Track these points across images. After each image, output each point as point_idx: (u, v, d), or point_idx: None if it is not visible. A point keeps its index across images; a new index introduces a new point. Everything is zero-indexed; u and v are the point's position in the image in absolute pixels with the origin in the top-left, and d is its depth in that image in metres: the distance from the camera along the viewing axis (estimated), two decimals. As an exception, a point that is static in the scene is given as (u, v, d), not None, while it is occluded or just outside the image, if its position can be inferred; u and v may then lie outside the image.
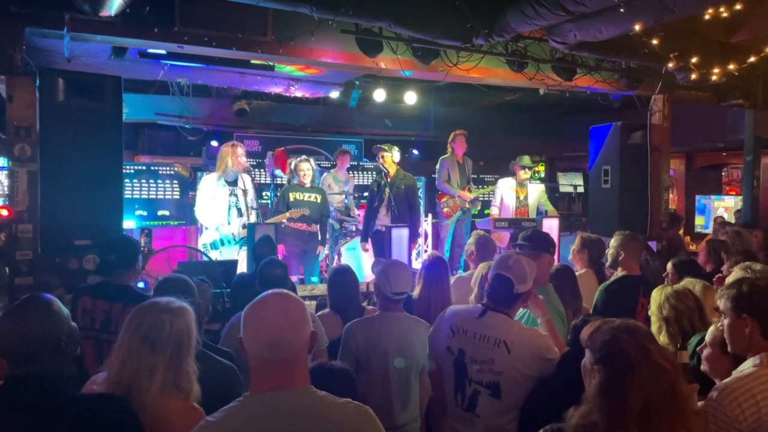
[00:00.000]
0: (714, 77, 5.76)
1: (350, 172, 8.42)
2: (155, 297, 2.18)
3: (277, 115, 9.20)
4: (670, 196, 7.80)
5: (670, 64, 5.59)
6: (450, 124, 8.39)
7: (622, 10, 4.29)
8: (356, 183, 8.81)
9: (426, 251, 7.41)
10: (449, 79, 5.82)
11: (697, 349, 2.43)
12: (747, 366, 2.02)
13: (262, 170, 8.70)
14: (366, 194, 7.28)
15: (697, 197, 11.07)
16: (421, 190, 8.46)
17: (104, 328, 2.91)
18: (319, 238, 6.27)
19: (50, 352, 1.78)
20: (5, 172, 6.34)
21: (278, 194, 6.41)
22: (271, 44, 4.77)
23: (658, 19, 4.41)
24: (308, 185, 6.25)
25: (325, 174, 7.64)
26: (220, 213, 5.53)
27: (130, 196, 6.78)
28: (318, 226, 6.21)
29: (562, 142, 11.19)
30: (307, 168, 6.24)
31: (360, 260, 6.91)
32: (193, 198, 6.49)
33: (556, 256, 4.28)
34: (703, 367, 2.31)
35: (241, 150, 5.62)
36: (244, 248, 5.44)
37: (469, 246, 4.42)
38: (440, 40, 5.01)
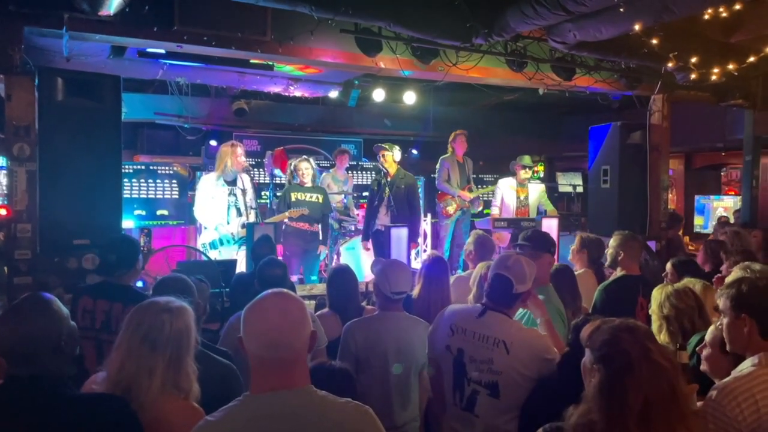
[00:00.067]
0: (713, 77, 5.76)
1: (349, 172, 8.43)
2: (154, 296, 2.18)
3: (276, 114, 9.20)
4: (669, 196, 7.79)
5: (670, 64, 5.59)
6: (449, 123, 8.39)
7: (621, 9, 4.29)
8: (355, 183, 8.82)
9: (425, 251, 7.41)
10: (448, 78, 5.82)
11: (697, 349, 2.43)
12: (746, 366, 2.02)
13: (261, 170, 8.70)
14: (365, 194, 7.28)
15: (696, 197, 11.07)
16: (420, 189, 8.46)
17: (105, 328, 2.90)
18: (321, 238, 6.27)
19: (50, 352, 1.78)
20: (4, 171, 6.33)
21: (279, 194, 6.41)
22: (270, 44, 4.76)
23: (657, 19, 4.41)
24: (309, 185, 6.26)
25: (324, 174, 7.64)
26: (219, 213, 5.53)
27: (129, 196, 6.79)
28: (319, 226, 6.21)
29: (561, 141, 11.19)
30: (305, 167, 6.25)
31: (359, 260, 6.92)
32: (192, 198, 6.49)
33: (555, 256, 4.28)
34: (703, 366, 2.31)
35: (240, 150, 5.62)
36: (243, 248, 5.43)
37: (467, 246, 4.42)
38: (440, 40, 5.01)
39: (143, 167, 7.27)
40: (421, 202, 8.08)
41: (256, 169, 8.53)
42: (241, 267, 5.17)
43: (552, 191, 9.32)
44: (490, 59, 5.63)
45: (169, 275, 2.79)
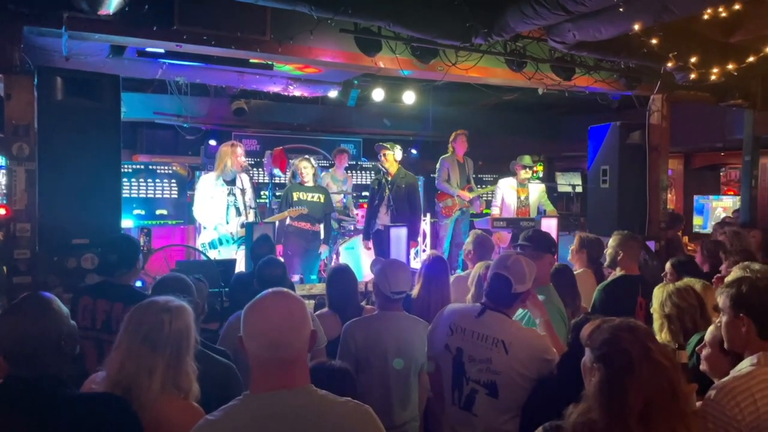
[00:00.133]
0: (713, 77, 5.76)
1: (348, 172, 8.43)
2: (153, 296, 2.18)
3: (275, 114, 9.19)
4: (669, 196, 7.79)
5: (669, 64, 5.59)
6: (448, 123, 8.39)
7: (621, 9, 4.29)
8: (354, 182, 8.82)
9: (424, 251, 7.41)
10: (448, 78, 5.82)
11: (696, 348, 2.44)
12: (744, 365, 2.02)
13: (260, 169, 8.70)
14: (364, 193, 7.28)
15: (695, 197, 11.08)
16: (419, 189, 8.46)
17: (105, 328, 2.90)
18: (323, 237, 6.27)
19: (50, 352, 1.77)
20: (3, 170, 6.32)
21: (278, 194, 6.41)
22: (270, 43, 4.76)
23: (657, 19, 4.41)
24: (310, 184, 6.27)
25: (323, 173, 7.64)
26: (219, 212, 5.53)
27: (128, 195, 6.78)
28: (321, 226, 6.21)
29: (560, 141, 11.19)
30: (304, 166, 6.26)
31: (359, 259, 6.92)
32: (191, 197, 6.49)
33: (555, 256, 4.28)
34: (703, 366, 2.31)
35: (240, 150, 5.62)
36: (242, 247, 5.43)
37: (467, 245, 4.42)
38: (439, 40, 5.01)
39: (142, 167, 7.27)
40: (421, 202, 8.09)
41: (255, 169, 8.53)
42: (240, 267, 5.17)
43: (551, 191, 9.33)
44: (489, 59, 5.63)
45: (168, 275, 2.79)
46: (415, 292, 3.54)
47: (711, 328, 2.33)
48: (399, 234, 5.64)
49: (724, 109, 7.76)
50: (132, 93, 7.78)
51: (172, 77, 6.66)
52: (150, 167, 7.27)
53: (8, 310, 1.93)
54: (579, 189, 9.43)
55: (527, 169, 7.28)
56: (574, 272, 4.02)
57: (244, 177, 5.74)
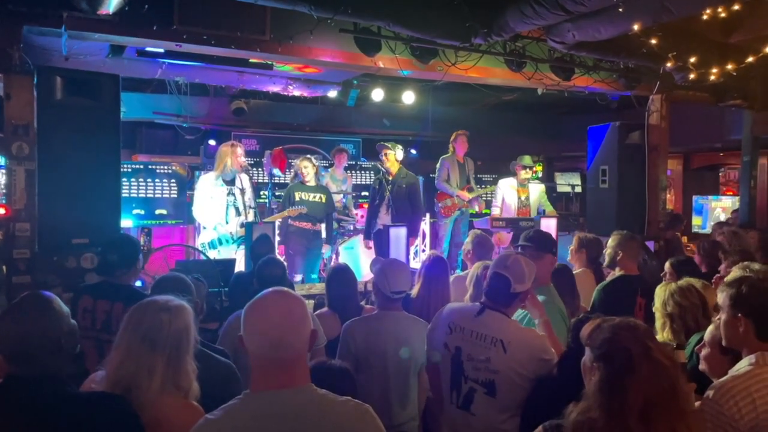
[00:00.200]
0: (712, 77, 5.76)
1: (348, 172, 8.43)
2: (153, 295, 2.18)
3: (275, 114, 9.19)
4: (668, 196, 7.80)
5: (669, 64, 5.59)
6: (448, 123, 8.39)
7: (620, 9, 4.29)
8: (354, 182, 8.83)
9: (424, 251, 7.41)
10: (447, 78, 5.82)
11: (696, 348, 2.44)
12: (743, 365, 2.02)
13: (260, 169, 8.70)
14: (364, 193, 7.28)
15: (694, 197, 11.09)
16: (419, 189, 8.46)
17: (105, 328, 2.89)
18: (324, 237, 6.28)
19: (50, 351, 1.77)
20: (3, 170, 6.32)
21: (278, 193, 6.42)
22: (269, 43, 4.76)
23: (656, 19, 4.42)
24: (311, 183, 6.28)
25: (322, 173, 7.64)
26: (218, 212, 5.53)
27: (127, 195, 6.79)
28: (323, 225, 6.22)
29: (560, 141, 11.20)
30: (305, 166, 6.27)
31: (358, 259, 6.92)
32: (190, 197, 6.49)
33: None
34: (702, 366, 2.31)
35: (240, 150, 5.62)
36: (242, 247, 5.43)
37: (466, 245, 4.42)
38: (439, 40, 5.01)
39: (142, 166, 7.27)
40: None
41: (254, 169, 8.53)
42: (239, 266, 5.17)
43: (551, 191, 9.34)
44: (489, 59, 5.63)
45: (168, 274, 2.79)
46: (414, 291, 3.54)
47: (710, 328, 2.33)
48: (398, 234, 5.64)
49: (723, 109, 7.77)
50: (131, 93, 7.78)
51: (172, 77, 6.66)
52: (149, 167, 7.28)
53: (8, 309, 1.92)
54: (578, 189, 9.44)
55: (527, 170, 7.28)
56: (574, 272, 4.02)
57: (244, 177, 5.74)
